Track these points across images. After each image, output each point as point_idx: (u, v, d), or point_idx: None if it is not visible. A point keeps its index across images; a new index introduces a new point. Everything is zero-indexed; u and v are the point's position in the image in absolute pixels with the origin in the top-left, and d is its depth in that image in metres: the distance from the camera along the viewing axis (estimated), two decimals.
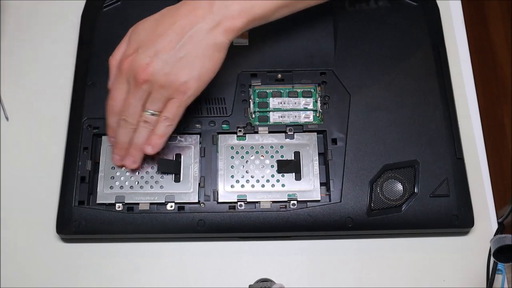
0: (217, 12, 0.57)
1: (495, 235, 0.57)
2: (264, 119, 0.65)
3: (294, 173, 0.63)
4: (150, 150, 0.60)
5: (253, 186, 0.62)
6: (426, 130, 0.64)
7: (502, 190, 1.33)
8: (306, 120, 0.65)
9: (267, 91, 0.67)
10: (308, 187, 0.62)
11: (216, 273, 0.61)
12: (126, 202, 0.61)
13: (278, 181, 0.62)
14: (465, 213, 0.61)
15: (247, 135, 0.64)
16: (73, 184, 0.62)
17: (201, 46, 0.56)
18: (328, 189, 0.62)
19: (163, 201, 0.61)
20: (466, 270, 0.61)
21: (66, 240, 0.62)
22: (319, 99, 0.66)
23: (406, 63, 0.67)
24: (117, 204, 0.61)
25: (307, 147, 0.64)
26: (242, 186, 0.62)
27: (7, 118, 0.65)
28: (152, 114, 0.58)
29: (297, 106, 0.66)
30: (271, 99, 0.66)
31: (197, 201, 0.61)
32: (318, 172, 0.63)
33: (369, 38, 0.69)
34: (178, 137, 0.64)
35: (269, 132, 0.64)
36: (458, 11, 0.74)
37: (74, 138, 0.64)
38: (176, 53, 0.56)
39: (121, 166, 0.62)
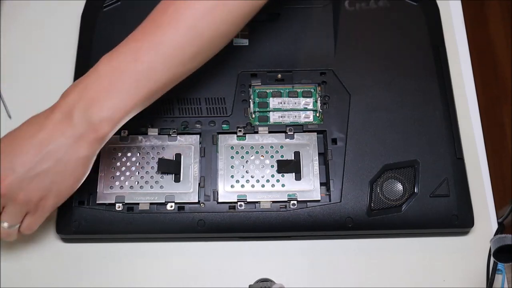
0: (78, 124, 0.53)
1: (495, 235, 0.57)
2: (264, 119, 0.65)
3: (294, 173, 0.63)
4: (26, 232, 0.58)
5: (253, 186, 0.62)
6: (426, 130, 0.64)
7: (502, 190, 1.33)
8: (306, 120, 0.65)
9: (267, 91, 0.67)
10: (308, 187, 0.62)
11: (216, 273, 0.61)
12: (126, 202, 0.61)
13: (278, 181, 0.62)
14: (465, 213, 0.61)
15: (247, 135, 0.64)
16: None
17: (62, 162, 0.53)
18: (328, 189, 0.62)
19: (163, 201, 0.61)
20: (466, 270, 0.61)
21: (66, 240, 0.62)
22: (319, 99, 0.66)
23: (406, 63, 0.67)
24: (117, 204, 0.61)
25: (307, 147, 0.64)
26: (242, 186, 0.62)
27: (9, 116, 0.65)
28: (9, 227, 0.56)
29: (297, 106, 0.66)
30: (271, 99, 0.66)
31: (197, 201, 0.61)
32: (318, 172, 0.63)
33: (369, 38, 0.69)
34: (178, 137, 0.64)
35: (269, 132, 0.64)
36: (458, 11, 0.74)
37: None
38: (33, 168, 0.53)
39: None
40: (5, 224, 0.56)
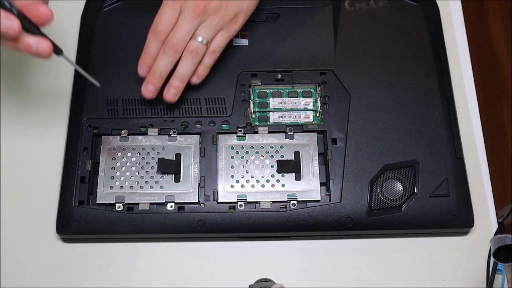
0: None
1: (495, 235, 0.57)
2: (264, 119, 0.65)
3: (294, 173, 0.63)
4: (196, 80, 0.62)
5: (253, 186, 0.62)
6: (426, 130, 0.64)
7: (502, 190, 1.33)
8: (306, 120, 0.65)
9: (267, 91, 0.67)
10: (308, 187, 0.62)
11: (216, 273, 0.61)
12: (126, 202, 0.61)
13: (278, 181, 0.62)
14: (465, 213, 0.61)
15: (247, 135, 0.64)
16: (73, 184, 0.62)
17: None
18: (328, 189, 0.62)
19: (163, 201, 0.61)
20: (466, 270, 0.61)
21: (66, 240, 0.62)
22: (319, 99, 0.66)
23: (406, 63, 0.67)
24: (117, 204, 0.61)
25: (307, 147, 0.64)
26: (242, 186, 0.62)
27: (99, 87, 0.61)
28: (201, 42, 0.60)
29: (297, 106, 0.66)
30: (271, 99, 0.66)
31: (197, 201, 0.61)
32: (318, 172, 0.63)
33: (369, 38, 0.69)
34: (178, 137, 0.64)
35: (269, 132, 0.64)
36: (458, 11, 0.74)
37: (74, 138, 0.64)
38: None
39: (151, 99, 0.62)
40: (200, 38, 0.60)
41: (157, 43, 0.61)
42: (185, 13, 0.60)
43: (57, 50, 0.56)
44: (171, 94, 0.62)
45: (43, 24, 0.53)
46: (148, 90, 0.62)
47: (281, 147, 0.64)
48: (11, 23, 0.51)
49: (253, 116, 0.66)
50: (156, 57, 0.61)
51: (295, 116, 0.66)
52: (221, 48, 0.63)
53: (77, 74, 0.67)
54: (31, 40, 0.53)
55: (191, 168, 0.63)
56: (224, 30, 0.62)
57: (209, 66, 0.63)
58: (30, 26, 0.53)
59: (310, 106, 0.66)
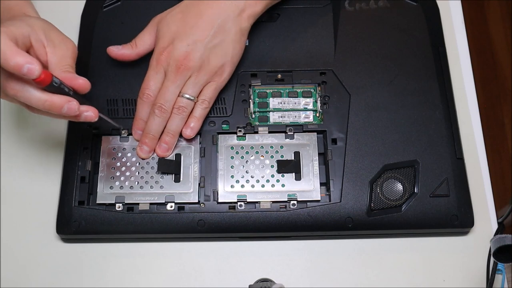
0: (240, 1, 0.63)
1: (495, 235, 0.57)
2: (264, 119, 0.65)
3: (294, 173, 0.63)
4: (189, 133, 0.63)
5: (253, 186, 0.62)
6: (426, 130, 0.64)
7: (502, 190, 1.32)
8: (306, 120, 0.65)
9: (267, 91, 0.67)
10: (308, 187, 0.62)
11: (216, 273, 0.61)
12: (126, 202, 0.61)
13: (278, 181, 0.62)
14: (465, 213, 0.61)
15: (247, 135, 0.64)
16: (73, 184, 0.62)
17: (231, 33, 0.62)
18: (328, 189, 0.62)
19: (163, 201, 0.61)
20: (466, 270, 0.61)
21: (66, 240, 0.62)
22: (319, 99, 0.66)
23: (406, 63, 0.67)
24: (117, 204, 0.61)
25: (307, 147, 0.64)
26: (242, 186, 0.62)
27: (120, 130, 0.64)
28: (189, 99, 0.62)
29: (297, 106, 0.66)
30: (271, 99, 0.66)
31: (197, 201, 0.61)
32: (318, 172, 0.63)
33: (369, 38, 0.69)
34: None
35: (269, 132, 0.64)
36: (458, 11, 0.74)
37: (74, 138, 0.64)
38: (210, 41, 0.62)
39: (147, 158, 0.63)
40: (187, 95, 0.62)
41: (146, 106, 0.62)
42: (168, 74, 0.62)
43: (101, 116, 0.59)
44: (163, 148, 0.63)
45: (84, 92, 0.57)
46: (144, 150, 0.63)
47: (281, 147, 0.64)
48: (73, 105, 0.54)
49: (253, 116, 0.66)
50: (147, 120, 0.62)
51: (295, 116, 0.66)
52: (210, 99, 0.63)
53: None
54: (82, 109, 0.56)
55: (191, 168, 0.63)
56: (211, 83, 0.63)
57: (201, 117, 0.63)
58: (81, 99, 0.56)
59: (310, 106, 0.66)
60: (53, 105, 0.54)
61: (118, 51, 0.64)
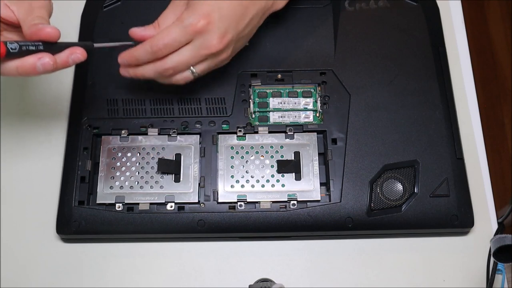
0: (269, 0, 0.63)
1: (495, 235, 0.57)
2: (264, 119, 0.65)
3: (294, 173, 0.63)
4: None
5: (253, 186, 0.62)
6: (426, 130, 0.64)
7: (502, 190, 1.32)
8: (306, 120, 0.65)
9: (267, 91, 0.67)
10: (308, 187, 0.62)
11: (216, 273, 0.61)
12: (126, 202, 0.61)
13: (278, 181, 0.62)
14: (465, 213, 0.61)
15: (247, 135, 0.64)
16: (73, 184, 0.62)
17: (254, 27, 0.63)
18: (328, 189, 0.62)
19: (163, 201, 0.61)
20: (466, 270, 0.61)
21: (66, 240, 0.62)
22: (319, 99, 0.66)
23: (406, 63, 0.67)
24: (117, 204, 0.61)
25: (307, 147, 0.64)
26: (242, 186, 0.62)
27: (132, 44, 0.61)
28: (192, 72, 0.60)
29: (297, 106, 0.66)
30: (271, 99, 0.66)
31: (197, 201, 0.61)
32: (318, 172, 0.63)
33: (369, 38, 0.69)
34: (178, 137, 0.64)
35: (269, 132, 0.64)
36: (458, 11, 0.74)
37: (74, 138, 0.64)
38: (242, 32, 0.61)
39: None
40: (195, 72, 0.60)
41: (150, 53, 0.59)
42: (195, 46, 0.58)
43: (88, 47, 0.56)
44: (140, 74, 0.60)
45: (55, 40, 0.54)
46: (120, 63, 0.60)
47: (281, 147, 0.64)
48: (46, 61, 0.52)
49: (253, 116, 0.66)
50: (140, 63, 0.60)
51: (295, 116, 0.66)
52: (199, 74, 0.61)
53: (77, 74, 0.67)
54: (63, 57, 0.54)
55: (191, 168, 0.63)
56: (214, 66, 0.62)
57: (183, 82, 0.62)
58: (55, 48, 0.53)
59: (310, 106, 0.66)
60: (25, 69, 0.51)
61: (141, 32, 0.60)
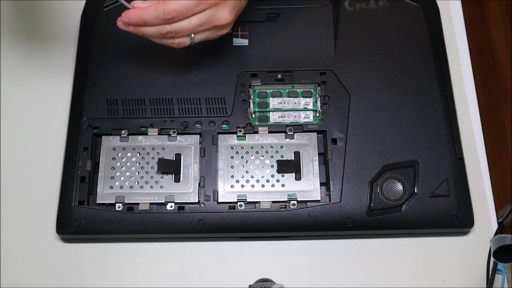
0: None
1: (495, 235, 0.57)
2: (264, 119, 0.65)
3: (294, 173, 0.63)
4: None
5: (253, 186, 0.62)
6: (426, 130, 0.64)
7: (502, 190, 1.32)
8: (306, 120, 0.65)
9: (267, 91, 0.67)
10: (308, 187, 0.62)
11: (216, 273, 0.61)
12: (126, 202, 0.61)
13: (278, 181, 0.62)
14: (465, 213, 0.61)
15: (247, 135, 0.64)
16: (73, 184, 0.62)
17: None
18: (328, 189, 0.62)
19: (163, 201, 0.61)
20: (466, 270, 0.61)
21: (66, 240, 0.62)
22: (319, 99, 0.66)
23: (406, 63, 0.67)
24: (117, 204, 0.61)
25: (307, 147, 0.64)
26: (242, 186, 0.62)
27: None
28: (191, 39, 0.61)
29: (297, 106, 0.66)
30: (271, 99, 0.66)
31: (197, 201, 0.61)
32: (318, 172, 0.63)
33: (369, 38, 0.69)
34: (178, 137, 0.64)
35: (269, 132, 0.64)
36: (458, 11, 0.74)
37: (74, 138, 0.64)
38: (242, 7, 0.62)
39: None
40: (194, 39, 0.61)
41: (159, 21, 0.59)
42: (206, 16, 0.59)
43: None
44: (125, 25, 0.60)
45: None
46: (124, 21, 0.60)
47: (281, 147, 0.64)
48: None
49: (253, 116, 0.66)
50: (146, 25, 0.60)
51: (295, 116, 0.66)
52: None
53: (77, 74, 0.67)
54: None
55: (191, 168, 0.63)
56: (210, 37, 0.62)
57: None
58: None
59: (310, 106, 0.66)
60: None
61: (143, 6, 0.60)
